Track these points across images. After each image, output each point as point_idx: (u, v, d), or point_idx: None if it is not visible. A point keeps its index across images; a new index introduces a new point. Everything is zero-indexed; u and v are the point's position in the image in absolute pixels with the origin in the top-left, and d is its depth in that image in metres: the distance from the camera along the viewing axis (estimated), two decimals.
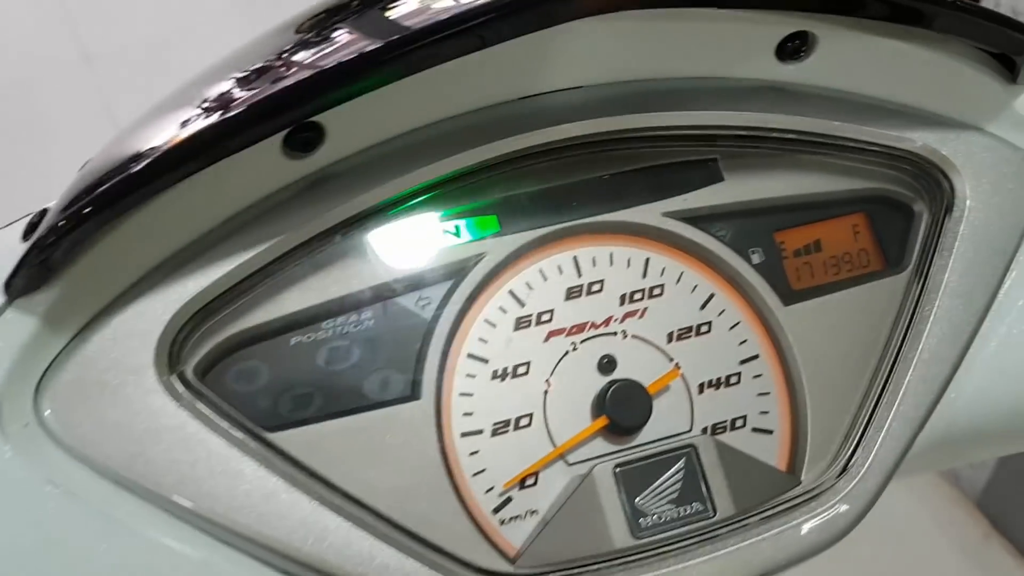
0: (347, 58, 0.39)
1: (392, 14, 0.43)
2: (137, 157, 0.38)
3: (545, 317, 0.49)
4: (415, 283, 0.48)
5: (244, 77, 0.44)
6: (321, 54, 0.43)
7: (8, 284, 0.40)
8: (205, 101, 0.43)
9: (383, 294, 0.47)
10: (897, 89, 0.53)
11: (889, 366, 0.51)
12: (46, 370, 0.42)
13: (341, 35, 0.45)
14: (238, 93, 0.42)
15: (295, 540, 0.42)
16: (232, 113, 0.39)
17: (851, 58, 0.51)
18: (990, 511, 1.73)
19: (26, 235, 0.43)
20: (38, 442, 0.41)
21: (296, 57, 0.45)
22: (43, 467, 0.41)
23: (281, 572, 0.43)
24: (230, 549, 0.43)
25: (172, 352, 0.43)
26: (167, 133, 0.40)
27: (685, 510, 0.47)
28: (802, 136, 0.52)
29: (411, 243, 0.48)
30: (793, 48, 0.50)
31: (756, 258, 0.52)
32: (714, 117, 0.51)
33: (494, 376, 0.48)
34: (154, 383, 0.42)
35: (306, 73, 0.40)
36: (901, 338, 0.51)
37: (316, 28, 0.46)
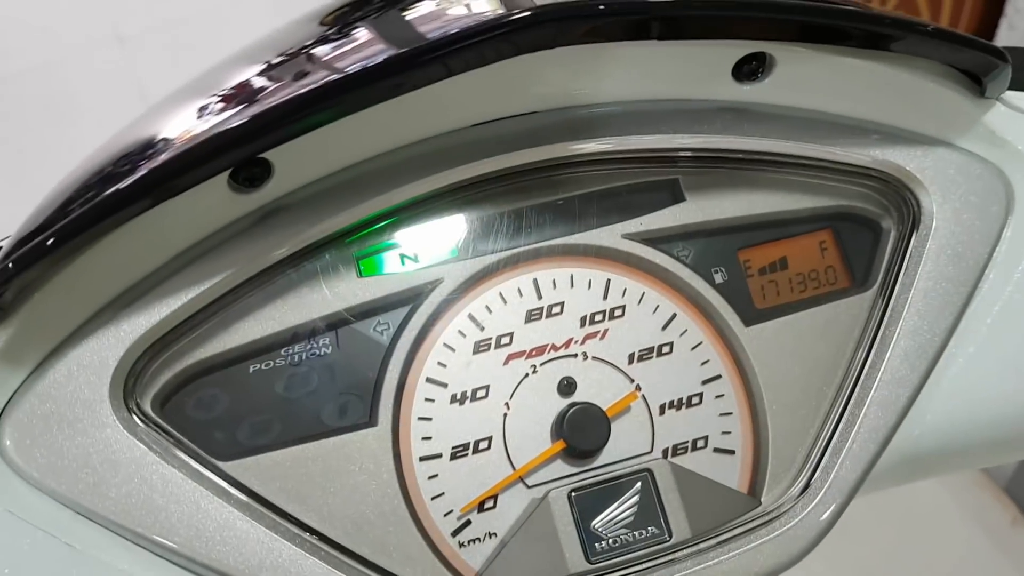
0: (288, 97, 0.40)
1: (340, 48, 0.44)
2: (83, 198, 0.39)
3: (505, 340, 0.49)
4: (372, 309, 0.48)
5: (203, 106, 0.45)
6: (271, 88, 0.43)
7: None
8: (158, 135, 0.43)
9: (340, 321, 0.48)
10: (860, 106, 0.52)
11: (851, 386, 0.50)
12: (6, 404, 0.43)
13: (295, 67, 0.46)
14: (190, 125, 0.43)
15: (250, 570, 0.43)
16: (175, 153, 0.39)
17: (811, 77, 0.50)
18: (1018, 496, 1.71)
19: None
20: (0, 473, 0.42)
21: (253, 86, 0.46)
22: (3, 497, 0.42)
23: None
24: (187, 575, 0.43)
25: (128, 385, 0.44)
26: (115, 170, 0.40)
27: (640, 534, 0.47)
28: (764, 156, 0.52)
29: (367, 269, 0.49)
30: (751, 69, 0.50)
31: (719, 278, 0.52)
32: (672, 140, 0.51)
33: (453, 400, 0.48)
34: (110, 416, 0.43)
35: (250, 112, 0.40)
36: (864, 358, 0.51)
37: (284, 55, 0.47)
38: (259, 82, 0.44)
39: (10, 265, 0.38)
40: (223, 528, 0.43)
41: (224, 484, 0.44)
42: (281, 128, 0.39)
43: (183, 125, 0.43)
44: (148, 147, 0.42)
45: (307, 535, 0.44)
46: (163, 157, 0.39)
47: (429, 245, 0.50)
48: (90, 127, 2.11)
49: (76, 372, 0.43)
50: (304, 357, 0.48)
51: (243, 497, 0.44)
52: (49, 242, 0.38)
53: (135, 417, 0.44)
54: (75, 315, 0.44)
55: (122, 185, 0.38)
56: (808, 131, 0.52)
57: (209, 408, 0.46)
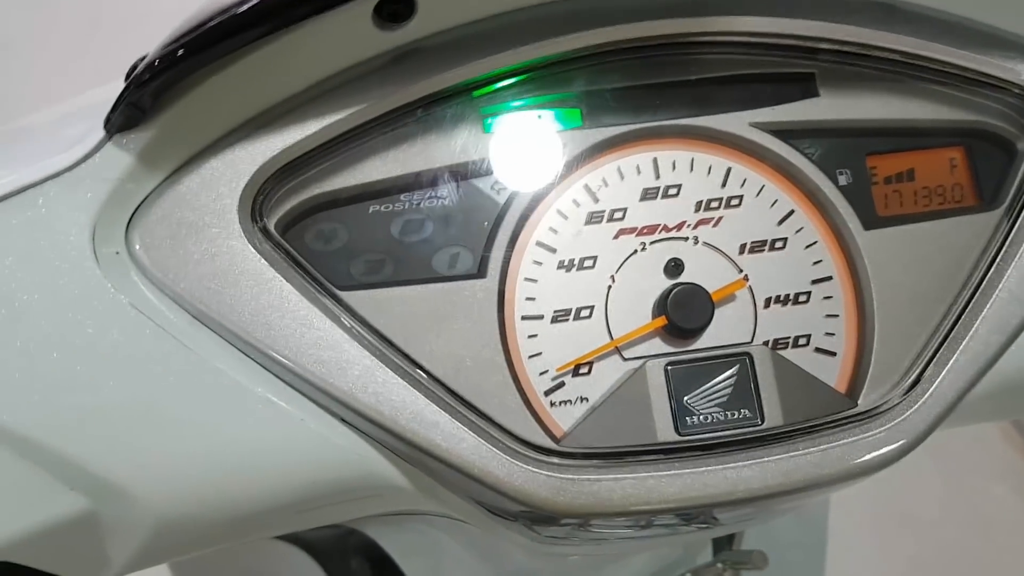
0: None
1: None
2: (233, 6, 0.40)
3: (618, 215, 0.50)
4: (493, 167, 0.49)
5: None
6: None
7: (107, 120, 0.43)
8: None
9: (461, 174, 0.49)
10: (1012, 17, 0.50)
11: (965, 301, 0.49)
12: (139, 206, 0.45)
13: None
14: None
15: (354, 390, 0.44)
16: None
17: None
18: None
19: (127, 77, 0.46)
20: (126, 269, 0.44)
21: None
22: (128, 292, 0.44)
23: (338, 419, 0.46)
24: (292, 391, 0.45)
25: (256, 203, 0.46)
26: None
27: (733, 414, 0.47)
28: (908, 59, 0.51)
29: (492, 126, 0.49)
30: None
31: (843, 179, 0.51)
32: (817, 28, 0.50)
33: (560, 266, 0.49)
34: (237, 229, 0.44)
35: None
36: (982, 275, 0.50)
37: None
38: None
39: (156, 63, 0.40)
40: (331, 348, 0.44)
41: (336, 308, 0.46)
42: None
43: None
44: None
45: (409, 366, 0.46)
46: None
47: (556, 111, 0.50)
48: None
49: (209, 183, 0.45)
50: (422, 204, 0.48)
51: (353, 323, 0.46)
52: (195, 45, 0.39)
53: (260, 234, 0.45)
54: (212, 129, 0.45)
55: None
56: (958, 37, 0.50)
57: (328, 240, 0.48)
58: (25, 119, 0.61)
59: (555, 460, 0.46)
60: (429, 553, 0.92)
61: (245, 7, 0.38)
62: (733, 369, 0.48)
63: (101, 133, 0.43)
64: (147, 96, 0.41)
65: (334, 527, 0.93)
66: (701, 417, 0.47)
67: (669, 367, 0.47)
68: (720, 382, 0.48)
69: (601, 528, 0.51)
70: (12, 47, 2.27)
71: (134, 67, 0.45)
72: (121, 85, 0.42)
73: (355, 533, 0.93)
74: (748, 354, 0.48)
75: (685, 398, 0.47)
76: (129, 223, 0.45)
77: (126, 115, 0.42)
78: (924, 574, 1.79)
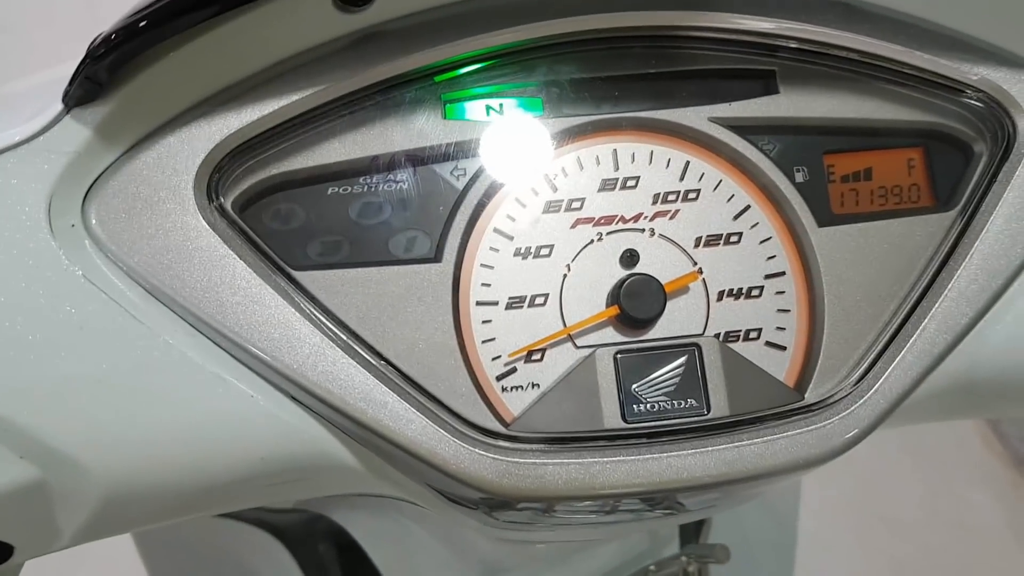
0: None
1: None
2: None
3: (576, 204, 0.50)
4: (452, 152, 0.49)
5: None
6: None
7: (65, 93, 0.43)
8: None
9: (420, 158, 0.49)
10: (971, 20, 0.51)
11: (915, 300, 0.50)
12: (96, 180, 0.45)
13: None
14: None
15: (304, 368, 0.45)
16: None
17: None
18: None
19: (86, 52, 0.46)
20: (81, 242, 0.45)
21: None
22: (82, 264, 0.44)
23: (289, 398, 0.46)
24: (243, 368, 0.46)
25: (212, 181, 0.46)
26: None
27: (679, 404, 0.48)
28: (867, 58, 0.51)
29: (451, 113, 0.49)
30: None
31: (800, 177, 0.52)
32: (778, 25, 0.50)
33: (516, 253, 0.49)
34: (192, 206, 0.45)
35: None
36: (933, 275, 0.50)
37: None
38: None
39: (112, 37, 0.40)
40: (281, 326, 0.45)
41: (289, 287, 0.46)
42: None
43: None
44: None
45: (361, 347, 0.46)
46: None
47: (517, 99, 0.50)
48: None
49: (165, 159, 0.45)
50: (380, 187, 0.49)
51: (305, 303, 0.46)
52: (152, 19, 0.40)
53: (216, 212, 0.46)
54: (170, 106, 0.45)
55: None
56: (917, 39, 0.51)
57: (285, 220, 0.48)
58: None
59: (502, 443, 0.46)
60: (398, 540, 0.93)
61: None
62: (681, 359, 0.48)
63: (59, 106, 0.44)
64: (103, 70, 0.41)
65: (301, 512, 0.94)
66: (648, 405, 0.48)
67: (619, 355, 0.48)
68: (668, 372, 0.48)
69: (560, 513, 0.51)
70: (10, 30, 2.27)
71: (93, 41, 0.45)
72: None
73: (323, 519, 0.94)
74: (697, 345, 0.48)
75: (633, 386, 0.48)
76: (85, 197, 0.45)
77: (83, 89, 0.42)
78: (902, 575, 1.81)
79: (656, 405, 0.48)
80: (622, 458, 0.46)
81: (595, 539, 0.85)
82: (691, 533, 0.94)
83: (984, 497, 1.92)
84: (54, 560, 0.53)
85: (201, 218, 0.45)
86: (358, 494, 0.53)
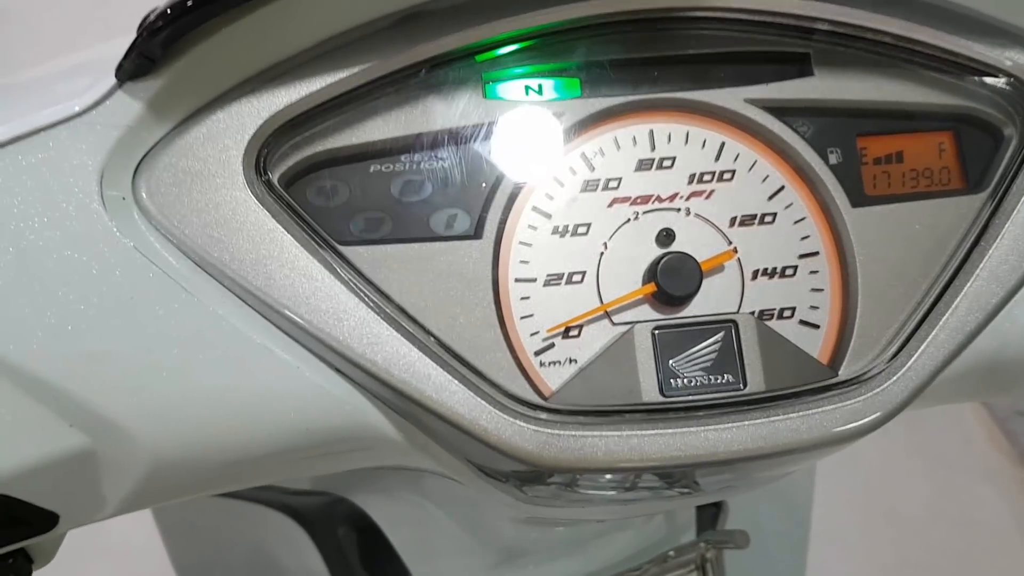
0: None
1: None
2: None
3: (612, 184, 0.51)
4: (491, 132, 0.50)
5: None
6: None
7: (119, 68, 0.44)
8: None
9: (461, 137, 0.50)
10: (1005, 5, 0.51)
11: (947, 280, 0.51)
12: (146, 153, 0.46)
13: None
14: None
15: (351, 341, 0.45)
16: None
17: None
18: None
19: (140, 26, 0.47)
20: (132, 215, 0.46)
21: None
22: (133, 236, 0.45)
23: (334, 369, 0.47)
24: (289, 339, 0.46)
25: (260, 156, 0.47)
26: None
27: (716, 379, 0.48)
28: (899, 42, 0.52)
29: (491, 92, 0.50)
30: None
31: (834, 158, 0.52)
32: (814, 7, 0.51)
33: (554, 231, 0.50)
34: (240, 180, 0.46)
35: None
36: (964, 255, 0.51)
37: None
38: None
39: (168, 11, 0.41)
40: (329, 299, 0.46)
41: (335, 261, 0.47)
42: None
43: None
44: None
45: (404, 320, 0.47)
46: None
47: (556, 80, 0.51)
48: None
49: (215, 134, 0.46)
50: (421, 165, 0.50)
51: (351, 276, 0.47)
52: None
53: (263, 187, 0.47)
54: (220, 81, 0.46)
55: None
56: (951, 23, 0.51)
57: (329, 196, 0.49)
58: (27, 72, 0.62)
59: (542, 416, 0.47)
60: (418, 524, 0.94)
61: None
62: (718, 335, 0.49)
63: (112, 80, 0.44)
64: (157, 45, 0.42)
65: (322, 495, 0.95)
66: (685, 380, 0.48)
67: (656, 331, 0.49)
68: (705, 347, 0.49)
69: (585, 488, 0.52)
70: (17, 20, 2.27)
71: (147, 17, 0.46)
72: (127, 41, 0.43)
73: (343, 502, 0.95)
74: (733, 321, 0.49)
75: (671, 362, 0.49)
76: (136, 170, 0.46)
77: (137, 64, 0.43)
78: (907, 570, 1.81)
79: (693, 380, 0.48)
80: (660, 431, 0.47)
81: (616, 520, 0.86)
82: (708, 520, 0.95)
83: (990, 494, 1.93)
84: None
85: (250, 193, 0.46)
86: (395, 467, 0.54)
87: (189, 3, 0.40)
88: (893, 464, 1.91)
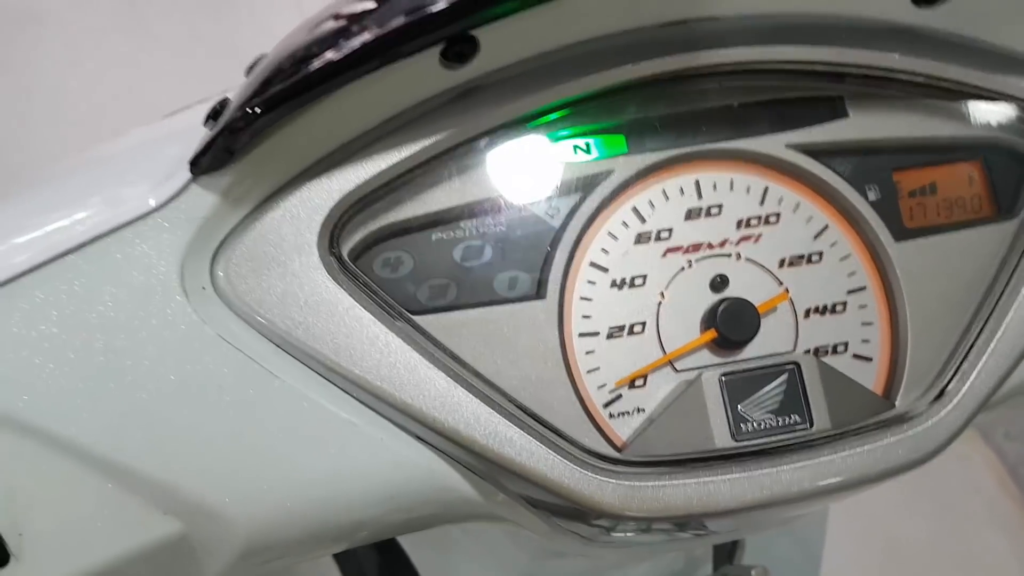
0: None
1: None
2: (320, 57, 0.42)
3: (664, 234, 0.53)
4: (547, 193, 0.52)
5: None
6: None
7: (195, 163, 0.45)
8: (376, 10, 0.47)
9: (518, 201, 0.51)
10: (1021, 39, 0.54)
11: (991, 307, 0.53)
12: (223, 241, 0.47)
13: None
14: (405, 3, 0.46)
15: (434, 411, 0.47)
16: (403, 22, 0.42)
17: (987, 6, 0.52)
18: None
19: (208, 120, 0.48)
20: (213, 303, 0.47)
21: None
22: (216, 324, 0.46)
23: (415, 437, 0.48)
24: (371, 412, 0.48)
25: (333, 235, 0.48)
26: (344, 38, 0.43)
27: (784, 420, 0.50)
28: (930, 81, 0.54)
29: (545, 156, 0.52)
30: None
31: (872, 195, 0.54)
32: (845, 55, 0.53)
33: (612, 284, 0.52)
34: (316, 261, 0.47)
35: None
36: (1006, 282, 0.53)
37: None
38: None
39: (252, 110, 0.42)
40: (410, 371, 0.47)
41: (413, 332, 0.48)
42: (498, 3, 0.42)
43: None
44: (367, 19, 0.45)
45: (481, 384, 0.48)
46: (395, 23, 0.42)
47: (603, 138, 0.53)
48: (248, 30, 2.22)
49: (290, 217, 0.47)
50: (481, 231, 0.51)
51: (429, 346, 0.48)
52: (295, 89, 0.42)
53: (336, 264, 0.48)
54: (292, 166, 0.47)
55: (356, 45, 0.41)
56: (974, 60, 0.54)
57: (395, 268, 0.50)
58: (98, 149, 0.62)
59: (620, 468, 0.49)
60: (440, 547, 0.94)
61: (341, 53, 0.40)
62: (783, 377, 0.51)
63: (187, 174, 0.46)
64: (241, 141, 0.43)
65: None
66: (755, 424, 0.50)
67: (724, 377, 0.50)
68: (771, 390, 0.51)
69: (659, 529, 0.54)
70: (44, 21, 2.25)
71: (215, 112, 0.47)
72: (193, 112, 0.44)
73: None
74: (796, 363, 0.51)
75: (739, 407, 0.50)
76: (213, 258, 0.47)
77: (215, 158, 0.44)
78: None
79: (763, 423, 0.50)
80: (735, 475, 0.49)
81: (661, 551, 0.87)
82: (724, 555, 0.96)
83: (999, 539, 1.94)
84: None
85: (326, 272, 0.47)
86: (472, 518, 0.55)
87: (279, 97, 0.42)
88: (900, 507, 1.90)
